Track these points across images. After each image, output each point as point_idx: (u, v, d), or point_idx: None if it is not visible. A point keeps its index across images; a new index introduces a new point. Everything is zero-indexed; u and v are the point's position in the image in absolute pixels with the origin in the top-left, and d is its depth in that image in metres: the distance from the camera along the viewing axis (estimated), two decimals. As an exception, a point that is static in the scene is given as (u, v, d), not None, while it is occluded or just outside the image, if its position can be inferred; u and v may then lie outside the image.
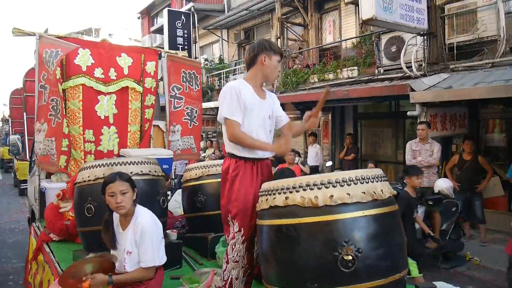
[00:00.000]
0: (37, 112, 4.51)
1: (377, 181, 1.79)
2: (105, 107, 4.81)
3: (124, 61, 4.95)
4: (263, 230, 1.91)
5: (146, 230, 2.37)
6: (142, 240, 2.37)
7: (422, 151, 5.87)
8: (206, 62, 14.33)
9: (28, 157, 10.21)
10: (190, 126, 5.13)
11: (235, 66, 13.69)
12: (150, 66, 5.13)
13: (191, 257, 3.37)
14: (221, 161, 3.76)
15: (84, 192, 3.02)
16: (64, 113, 4.54)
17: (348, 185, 1.72)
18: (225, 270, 2.24)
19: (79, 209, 3.06)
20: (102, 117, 4.80)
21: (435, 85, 6.50)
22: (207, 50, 16.62)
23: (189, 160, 5.86)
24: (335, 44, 10.12)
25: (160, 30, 16.51)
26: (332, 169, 8.74)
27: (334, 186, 1.71)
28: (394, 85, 7.15)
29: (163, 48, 16.79)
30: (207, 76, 13.99)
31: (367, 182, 1.75)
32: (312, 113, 2.38)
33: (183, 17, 14.45)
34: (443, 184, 5.43)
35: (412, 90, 6.50)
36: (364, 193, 1.71)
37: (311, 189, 1.72)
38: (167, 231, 3.52)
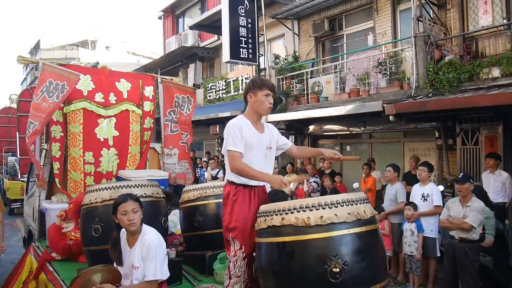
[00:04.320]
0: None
1: (361, 203, 2.08)
2: (105, 130, 5.05)
3: (123, 86, 5.22)
4: (261, 247, 2.17)
5: (152, 247, 2.60)
6: (147, 256, 2.58)
7: None
8: (276, 61, 10.83)
9: (20, 177, 10.29)
10: (187, 150, 5.36)
11: (312, 66, 10.38)
12: (148, 91, 5.42)
13: (190, 274, 3.58)
14: (217, 182, 4.05)
15: (92, 213, 3.23)
16: (57, 137, 4.76)
17: (336, 207, 2.00)
18: (227, 285, 2.48)
19: (86, 229, 3.27)
20: (102, 140, 5.03)
21: None
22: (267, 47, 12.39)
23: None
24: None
25: (200, 26, 13.87)
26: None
27: (323, 208, 1.99)
28: None
29: (199, 46, 15.39)
30: (278, 79, 10.67)
31: (352, 204, 2.03)
32: (335, 158, 2.64)
33: (246, 1, 11.02)
34: None
35: None
36: (349, 213, 1.99)
37: (304, 211, 2.00)
38: (167, 250, 3.74)
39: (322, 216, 1.96)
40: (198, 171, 11.12)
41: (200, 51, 15.19)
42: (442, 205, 5.09)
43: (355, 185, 7.42)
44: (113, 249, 2.69)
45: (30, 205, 5.61)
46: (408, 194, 5.79)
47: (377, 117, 7.51)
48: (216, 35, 14.36)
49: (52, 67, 4.61)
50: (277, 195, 3.51)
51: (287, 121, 9.75)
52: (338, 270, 1.88)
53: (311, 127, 10.45)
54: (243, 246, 2.44)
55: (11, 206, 11.57)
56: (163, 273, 2.64)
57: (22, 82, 39.49)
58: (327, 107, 8.53)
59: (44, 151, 4.97)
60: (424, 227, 5.15)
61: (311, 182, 7.64)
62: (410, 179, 6.37)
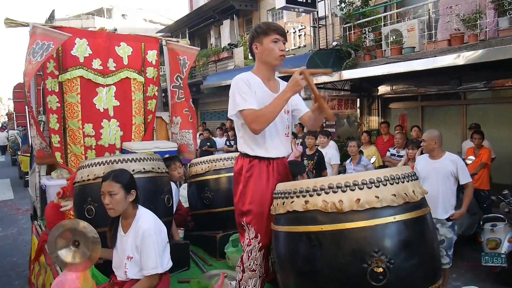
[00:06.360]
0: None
1: (408, 181, 1.58)
2: (104, 99, 4.61)
3: (124, 50, 4.73)
4: (279, 236, 1.72)
5: (147, 235, 2.21)
6: (143, 246, 2.21)
7: None
8: (342, 6, 8.81)
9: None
10: (190, 119, 4.86)
11: (385, 11, 8.57)
12: (151, 55, 4.90)
13: (199, 257, 3.21)
14: (229, 154, 3.60)
15: (84, 192, 2.84)
16: (53, 108, 4.35)
17: (377, 186, 1.51)
18: (240, 279, 2.05)
19: (79, 210, 2.89)
20: (102, 110, 4.60)
21: None
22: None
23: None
24: None
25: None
26: None
27: (360, 188, 1.50)
28: None
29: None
30: (343, 29, 8.90)
31: (397, 183, 1.54)
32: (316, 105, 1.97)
33: None
34: None
35: None
36: (394, 195, 1.51)
37: (335, 192, 1.51)
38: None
39: (359, 199, 1.48)
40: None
41: (237, 3, 13.37)
42: None
43: (470, 159, 5.49)
44: (109, 229, 2.38)
45: (32, 181, 5.32)
46: None
47: (478, 72, 5.84)
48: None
49: (42, 29, 4.13)
50: (292, 167, 2.88)
51: (352, 80, 8.07)
52: (381, 270, 1.42)
53: (382, 88, 8.66)
54: (258, 234, 1.98)
55: (25, 179, 11.66)
56: (164, 265, 2.26)
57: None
58: (417, 58, 6.58)
59: (42, 123, 4.60)
60: None
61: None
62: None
